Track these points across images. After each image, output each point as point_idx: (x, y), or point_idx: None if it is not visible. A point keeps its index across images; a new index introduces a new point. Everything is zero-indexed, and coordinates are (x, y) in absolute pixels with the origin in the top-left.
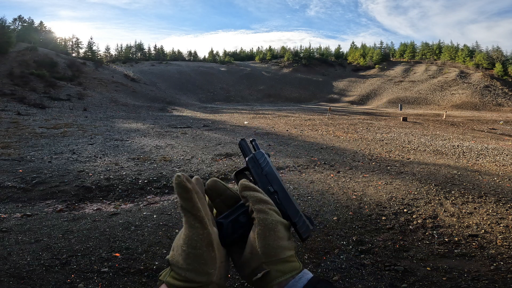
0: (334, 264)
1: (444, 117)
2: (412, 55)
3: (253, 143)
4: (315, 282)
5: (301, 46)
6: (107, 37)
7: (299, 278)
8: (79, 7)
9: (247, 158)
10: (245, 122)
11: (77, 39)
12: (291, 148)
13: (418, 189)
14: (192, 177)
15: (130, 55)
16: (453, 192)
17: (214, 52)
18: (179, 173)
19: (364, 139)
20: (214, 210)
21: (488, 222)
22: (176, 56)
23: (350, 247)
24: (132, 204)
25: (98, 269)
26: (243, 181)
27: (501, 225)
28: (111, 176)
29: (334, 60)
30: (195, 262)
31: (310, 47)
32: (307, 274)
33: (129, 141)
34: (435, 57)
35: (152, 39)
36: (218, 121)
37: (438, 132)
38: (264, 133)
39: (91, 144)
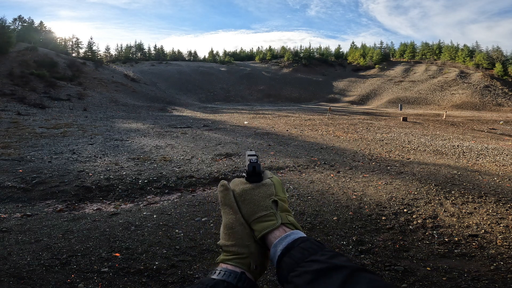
0: None
1: (444, 117)
2: (412, 55)
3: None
4: (300, 241)
5: (301, 46)
6: (107, 37)
7: (286, 236)
8: (78, 7)
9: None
10: (245, 122)
11: (77, 39)
12: (291, 148)
13: (418, 189)
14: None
15: (130, 55)
16: (453, 192)
17: (214, 52)
18: (223, 180)
19: (364, 139)
20: None
21: (488, 222)
22: (176, 56)
23: (350, 247)
24: (132, 204)
25: (98, 269)
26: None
27: (501, 225)
28: (111, 176)
29: (334, 60)
30: (235, 238)
31: (310, 47)
32: (296, 234)
33: (129, 141)
34: (435, 57)
35: (152, 39)
36: (218, 121)
37: (438, 132)
38: (264, 133)
39: (91, 144)
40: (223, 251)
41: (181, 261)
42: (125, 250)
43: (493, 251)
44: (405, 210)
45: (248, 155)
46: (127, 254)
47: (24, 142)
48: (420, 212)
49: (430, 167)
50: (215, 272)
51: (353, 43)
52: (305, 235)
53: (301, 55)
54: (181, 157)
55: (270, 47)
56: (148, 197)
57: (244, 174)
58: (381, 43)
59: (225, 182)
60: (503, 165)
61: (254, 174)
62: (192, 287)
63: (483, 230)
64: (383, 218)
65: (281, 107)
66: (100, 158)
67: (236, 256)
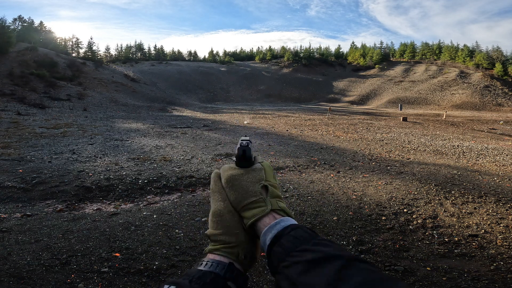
0: None
1: (444, 117)
2: (412, 55)
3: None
4: (290, 229)
5: (301, 46)
6: (107, 37)
7: (275, 223)
8: (78, 7)
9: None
10: (245, 122)
11: (77, 39)
12: (291, 148)
13: (418, 189)
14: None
15: (130, 55)
16: (453, 192)
17: (214, 52)
18: (217, 169)
19: (364, 139)
20: None
21: (488, 222)
22: (176, 56)
23: (350, 247)
24: (132, 204)
25: (98, 269)
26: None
27: (501, 225)
28: (111, 176)
29: (334, 60)
30: (223, 226)
31: (310, 47)
32: (286, 222)
33: (129, 141)
34: (435, 57)
35: (152, 39)
36: (218, 121)
37: (438, 132)
38: (264, 133)
39: (91, 144)
40: (211, 241)
41: (181, 261)
42: (125, 250)
43: (493, 251)
44: (405, 210)
45: (241, 140)
46: (127, 254)
47: (24, 142)
48: (420, 212)
49: (430, 167)
50: (202, 263)
51: (353, 43)
52: (296, 222)
53: (301, 55)
54: (181, 157)
55: (270, 47)
56: (148, 197)
57: (234, 158)
58: (381, 43)
59: (219, 171)
60: (503, 165)
61: (244, 158)
62: (178, 278)
63: (483, 230)
64: (383, 218)
65: (281, 107)
66: (100, 158)
67: (224, 245)
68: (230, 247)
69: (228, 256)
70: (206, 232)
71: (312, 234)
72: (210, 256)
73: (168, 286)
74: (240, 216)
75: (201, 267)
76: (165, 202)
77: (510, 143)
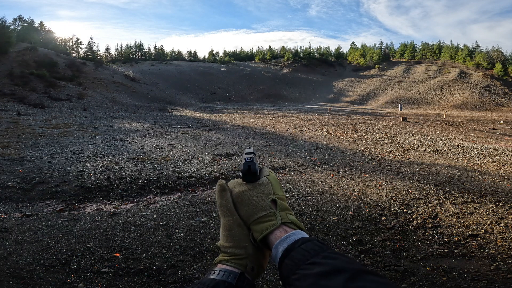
0: None
1: (444, 117)
2: (412, 55)
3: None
4: (301, 242)
5: (301, 46)
6: (107, 37)
7: (286, 237)
8: (77, 7)
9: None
10: (246, 121)
11: (77, 39)
12: (291, 148)
13: (418, 189)
14: (227, 179)
15: (130, 55)
16: (453, 192)
17: (214, 52)
18: (221, 180)
19: (364, 139)
20: None
21: (488, 222)
22: (176, 56)
23: (350, 247)
24: (132, 204)
25: (98, 269)
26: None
27: (501, 225)
28: (111, 176)
29: (334, 60)
30: (234, 240)
31: (310, 47)
32: (297, 235)
33: (129, 141)
34: (435, 57)
35: (152, 39)
36: (218, 121)
37: (438, 132)
38: (264, 133)
39: (91, 144)
40: (221, 252)
41: (181, 261)
42: (125, 250)
43: (493, 251)
44: (405, 210)
45: (246, 153)
46: (127, 254)
47: (24, 142)
48: (420, 212)
49: (430, 167)
50: (214, 273)
51: (353, 43)
52: (307, 235)
53: (301, 55)
54: (181, 157)
55: (270, 47)
56: (148, 197)
57: (240, 174)
58: (381, 43)
59: (223, 182)
60: (503, 165)
61: (250, 173)
62: (192, 287)
63: (483, 230)
64: (383, 218)
65: (281, 107)
66: (100, 158)
67: (233, 257)
68: (240, 259)
69: (238, 267)
70: (217, 243)
71: (322, 247)
72: (222, 266)
73: None
74: (249, 229)
75: (213, 276)
76: (165, 202)
77: (510, 143)
